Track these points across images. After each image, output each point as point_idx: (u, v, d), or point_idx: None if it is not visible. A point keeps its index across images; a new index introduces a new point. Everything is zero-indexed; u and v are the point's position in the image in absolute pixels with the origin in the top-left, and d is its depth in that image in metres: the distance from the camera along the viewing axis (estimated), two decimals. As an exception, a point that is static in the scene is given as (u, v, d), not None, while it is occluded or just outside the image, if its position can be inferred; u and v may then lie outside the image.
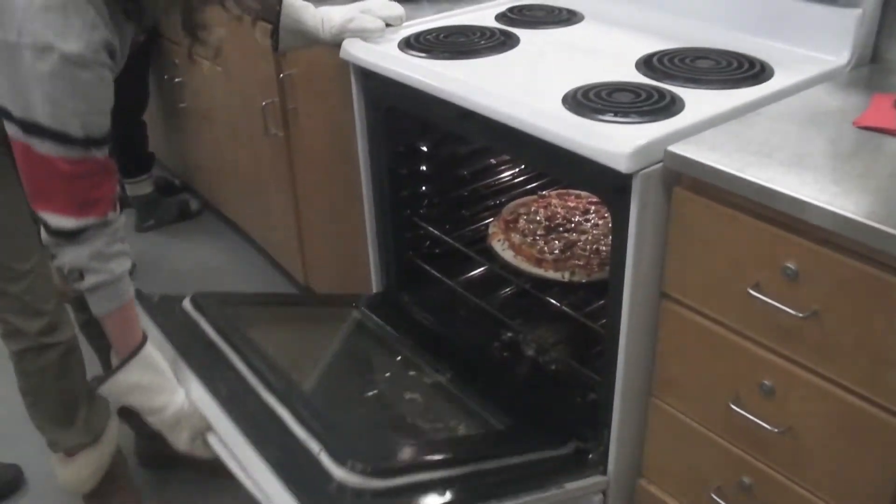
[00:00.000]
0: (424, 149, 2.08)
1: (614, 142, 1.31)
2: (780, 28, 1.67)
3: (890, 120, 1.34)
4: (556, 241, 1.94)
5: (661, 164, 1.32)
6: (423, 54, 1.74)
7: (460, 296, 2.06)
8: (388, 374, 1.92)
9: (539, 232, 1.98)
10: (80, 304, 2.01)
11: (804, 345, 1.23)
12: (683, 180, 1.31)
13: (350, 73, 1.89)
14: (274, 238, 2.92)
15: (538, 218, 2.04)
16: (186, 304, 1.77)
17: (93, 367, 2.03)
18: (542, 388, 1.81)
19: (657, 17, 1.84)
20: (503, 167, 2.27)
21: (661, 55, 1.63)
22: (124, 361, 1.55)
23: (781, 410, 1.30)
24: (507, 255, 1.93)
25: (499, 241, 1.97)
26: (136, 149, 3.30)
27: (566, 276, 1.84)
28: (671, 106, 1.42)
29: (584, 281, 1.84)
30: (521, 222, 2.02)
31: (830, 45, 1.60)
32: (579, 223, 2.02)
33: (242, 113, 2.68)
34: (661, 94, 1.46)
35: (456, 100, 1.58)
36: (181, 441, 1.56)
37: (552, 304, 1.85)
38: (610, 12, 1.93)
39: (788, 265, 1.20)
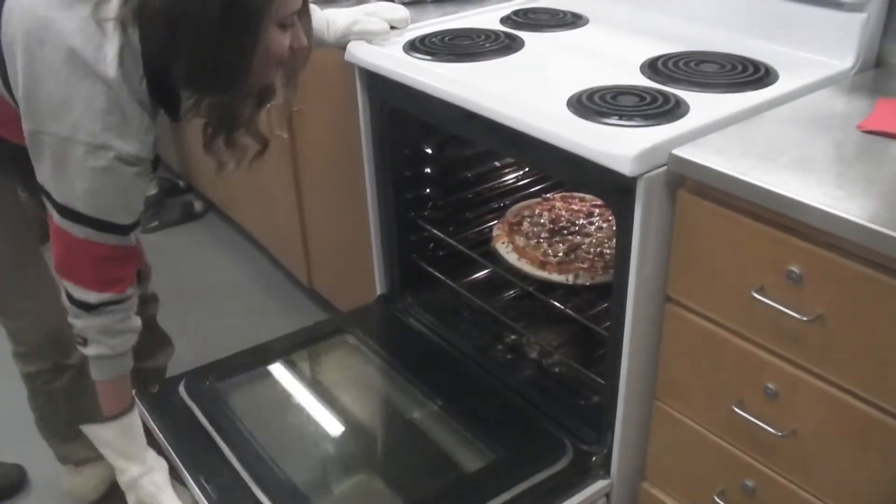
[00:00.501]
0: (429, 151, 2.08)
1: (619, 145, 1.32)
2: (784, 32, 1.67)
3: (895, 124, 1.34)
4: (560, 244, 1.95)
5: (665, 168, 1.32)
6: (427, 57, 1.74)
7: (464, 298, 2.06)
8: (381, 411, 1.93)
9: (543, 235, 1.98)
10: None
11: (808, 348, 1.23)
12: (688, 183, 1.32)
13: (355, 75, 1.89)
14: (278, 240, 2.92)
15: (542, 221, 2.04)
16: (182, 390, 1.81)
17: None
18: (543, 392, 1.80)
19: (662, 21, 1.84)
20: (507, 170, 2.27)
21: (666, 59, 1.63)
22: (106, 419, 1.62)
23: (785, 414, 1.30)
24: (511, 257, 1.93)
25: (503, 243, 1.97)
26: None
27: (570, 279, 1.85)
28: (676, 109, 1.42)
29: (588, 283, 1.84)
30: (525, 225, 2.03)
31: (835, 49, 1.61)
32: (583, 226, 2.03)
33: (247, 114, 2.68)
34: (666, 97, 1.46)
35: (460, 102, 1.58)
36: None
37: (556, 306, 1.85)
38: (615, 16, 1.93)
39: (792, 269, 1.20)
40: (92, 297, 1.48)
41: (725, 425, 1.41)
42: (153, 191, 3.39)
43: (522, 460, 1.61)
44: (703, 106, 1.43)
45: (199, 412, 1.75)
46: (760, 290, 1.25)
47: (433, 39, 1.82)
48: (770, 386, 1.30)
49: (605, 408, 1.57)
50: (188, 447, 1.68)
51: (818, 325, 1.20)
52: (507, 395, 1.79)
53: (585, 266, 1.86)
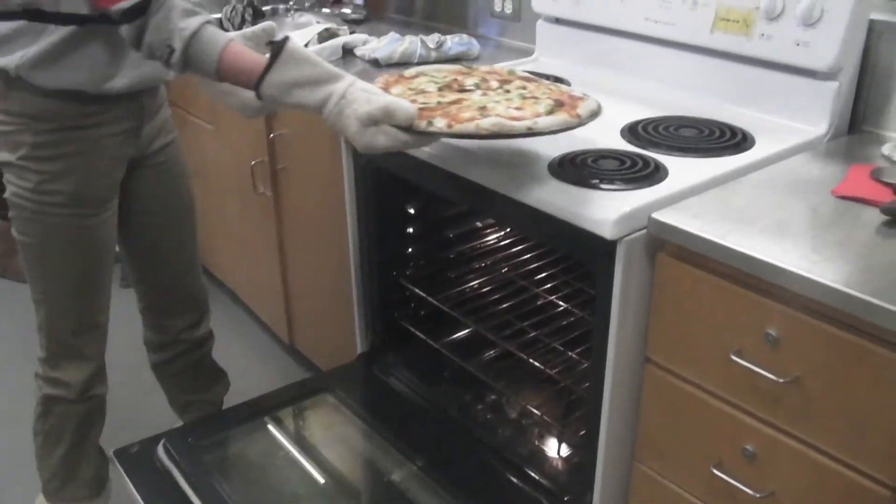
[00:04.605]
0: (412, 211, 2.10)
1: (599, 208, 1.34)
2: (761, 98, 1.72)
3: (867, 190, 1.37)
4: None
5: (645, 231, 1.34)
6: (411, 118, 1.75)
7: (445, 357, 2.06)
8: (361, 472, 1.92)
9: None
10: (153, 346, 2.10)
11: (786, 410, 1.24)
12: (667, 247, 1.34)
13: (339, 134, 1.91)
14: (259, 296, 2.92)
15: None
16: (160, 451, 1.81)
17: (164, 400, 2.12)
18: (522, 452, 1.80)
19: (642, 86, 1.88)
20: (489, 230, 2.29)
21: (646, 123, 1.67)
22: (270, 63, 1.39)
23: (763, 475, 1.30)
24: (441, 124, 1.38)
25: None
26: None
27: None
28: (655, 173, 1.44)
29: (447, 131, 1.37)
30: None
31: (809, 115, 1.65)
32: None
33: (232, 171, 2.71)
34: (646, 161, 1.49)
35: (442, 164, 1.60)
36: (350, 133, 1.38)
37: (536, 366, 1.86)
38: (596, 80, 1.96)
39: (769, 331, 1.22)
40: None
41: (705, 487, 1.41)
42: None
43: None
44: (682, 170, 1.46)
45: (178, 473, 1.73)
46: (739, 353, 1.26)
47: (417, 101, 1.84)
48: (748, 448, 1.31)
49: (584, 468, 1.57)
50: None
51: (795, 388, 1.21)
52: (486, 455, 1.79)
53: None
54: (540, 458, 1.79)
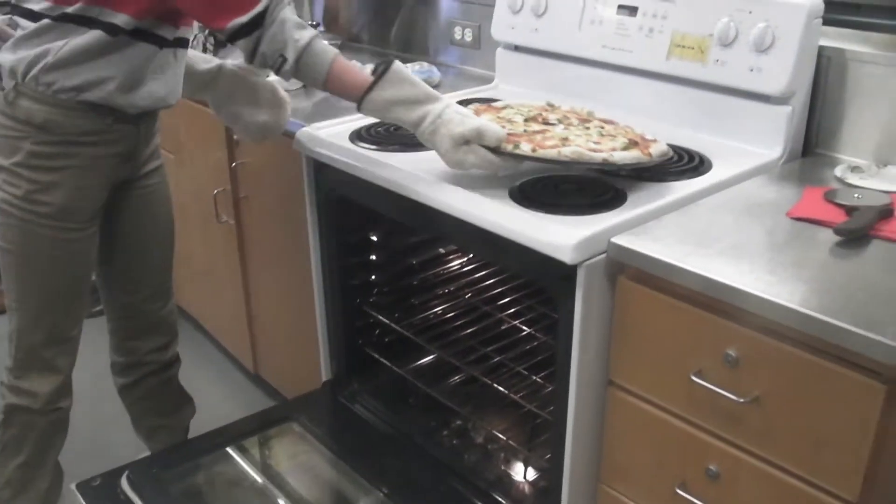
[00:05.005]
0: (374, 238, 2.10)
1: (559, 234, 1.35)
2: (717, 123, 1.75)
3: (821, 212, 1.40)
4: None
5: (605, 255, 1.36)
6: (373, 146, 1.77)
7: (410, 384, 2.06)
8: (327, 501, 1.92)
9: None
10: (120, 368, 2.09)
11: (747, 429, 1.26)
12: (627, 270, 1.35)
13: (302, 163, 1.92)
14: (224, 326, 2.91)
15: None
16: (124, 482, 1.80)
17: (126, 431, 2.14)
18: (488, 478, 1.80)
19: (601, 112, 1.90)
20: (451, 256, 2.29)
21: (604, 148, 1.68)
22: (375, 81, 1.54)
23: (727, 495, 1.32)
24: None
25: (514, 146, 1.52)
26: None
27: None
28: (615, 198, 1.46)
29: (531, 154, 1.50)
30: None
31: (764, 139, 1.68)
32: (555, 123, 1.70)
33: (194, 200, 2.69)
34: (605, 186, 1.51)
35: (404, 192, 1.61)
36: (443, 151, 1.52)
37: (501, 391, 1.86)
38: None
39: (729, 352, 1.23)
40: (257, 8, 1.49)
41: (669, 508, 1.42)
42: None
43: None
44: (642, 194, 1.48)
45: None
46: (699, 374, 1.28)
47: (379, 129, 1.86)
48: (712, 467, 1.32)
49: (551, 491, 1.58)
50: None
51: (755, 407, 1.23)
52: (453, 481, 1.79)
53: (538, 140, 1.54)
54: (506, 482, 1.80)
